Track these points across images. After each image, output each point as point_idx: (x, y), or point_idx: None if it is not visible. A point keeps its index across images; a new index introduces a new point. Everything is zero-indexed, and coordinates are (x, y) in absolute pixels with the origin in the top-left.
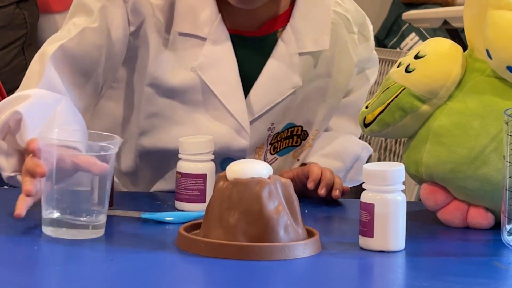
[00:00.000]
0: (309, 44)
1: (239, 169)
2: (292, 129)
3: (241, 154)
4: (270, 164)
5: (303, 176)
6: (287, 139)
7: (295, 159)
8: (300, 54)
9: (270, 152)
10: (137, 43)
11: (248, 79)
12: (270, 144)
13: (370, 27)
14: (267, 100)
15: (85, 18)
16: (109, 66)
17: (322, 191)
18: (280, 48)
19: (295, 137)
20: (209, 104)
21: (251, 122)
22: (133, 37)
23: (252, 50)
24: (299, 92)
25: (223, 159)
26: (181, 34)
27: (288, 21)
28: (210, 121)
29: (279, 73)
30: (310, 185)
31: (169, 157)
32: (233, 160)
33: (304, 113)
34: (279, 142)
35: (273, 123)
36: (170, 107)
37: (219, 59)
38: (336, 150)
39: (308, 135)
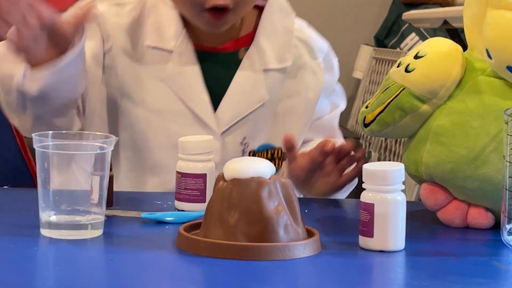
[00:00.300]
0: (272, 61)
1: (237, 168)
2: (272, 151)
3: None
4: None
5: (317, 152)
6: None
7: None
8: (265, 70)
9: None
10: (110, 62)
11: (215, 93)
12: None
13: (335, 59)
14: (236, 112)
15: None
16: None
17: (348, 144)
18: (246, 65)
19: (276, 159)
20: (180, 112)
21: (222, 134)
22: (107, 55)
23: (215, 64)
24: (269, 109)
25: None
26: (149, 47)
27: (251, 42)
28: (181, 128)
29: (246, 87)
30: (329, 146)
31: (148, 167)
32: None
33: (280, 133)
34: None
35: (245, 138)
36: (144, 118)
37: (185, 70)
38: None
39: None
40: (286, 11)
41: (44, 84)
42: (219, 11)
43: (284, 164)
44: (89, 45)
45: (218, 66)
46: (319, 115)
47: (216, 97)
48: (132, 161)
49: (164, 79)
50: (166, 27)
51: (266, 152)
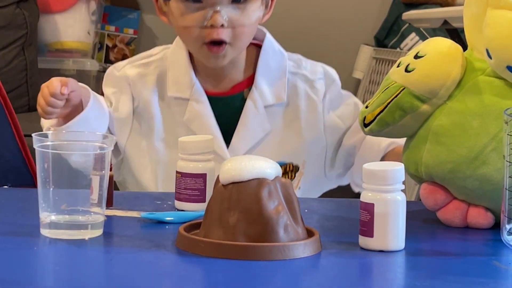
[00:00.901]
0: (271, 99)
1: (236, 168)
2: (285, 166)
3: None
4: None
5: None
6: (283, 175)
7: (296, 188)
8: (265, 107)
9: None
10: (140, 115)
11: (226, 129)
12: None
13: (333, 72)
14: (245, 143)
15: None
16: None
17: None
18: (249, 105)
19: (289, 172)
20: None
21: None
22: (135, 111)
23: (224, 105)
24: (273, 136)
25: None
26: (171, 97)
27: (252, 83)
28: None
29: (251, 123)
30: None
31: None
32: None
33: (289, 152)
34: None
35: None
36: (173, 156)
37: (200, 113)
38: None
39: (298, 167)
40: (279, 53)
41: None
42: (217, 45)
43: (297, 175)
44: (125, 100)
45: (227, 107)
46: (350, 120)
47: (227, 133)
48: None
49: (184, 122)
50: (182, 78)
51: (281, 167)
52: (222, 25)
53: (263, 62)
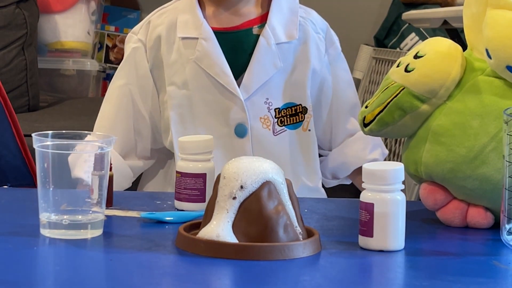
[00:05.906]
0: (282, 36)
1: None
2: (295, 107)
3: (243, 116)
4: (279, 134)
5: None
6: (293, 116)
7: (306, 131)
8: (277, 44)
9: (278, 124)
10: (156, 65)
11: (237, 65)
12: (276, 118)
13: (334, 35)
14: (258, 80)
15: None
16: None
17: None
18: (262, 42)
19: (299, 114)
20: (212, 86)
21: (249, 98)
22: (153, 63)
23: (234, 41)
24: (284, 74)
25: (236, 124)
26: (180, 38)
27: (262, 22)
28: (215, 97)
29: (264, 59)
30: None
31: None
32: (245, 126)
33: (298, 92)
34: (285, 117)
35: (268, 98)
36: (185, 96)
37: (209, 51)
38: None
39: (307, 108)
40: None
41: None
42: None
43: (306, 117)
44: (141, 64)
45: (237, 43)
46: (340, 85)
47: (238, 68)
48: (180, 132)
49: (194, 61)
50: (191, 20)
51: (290, 109)
52: None
53: (276, 2)
